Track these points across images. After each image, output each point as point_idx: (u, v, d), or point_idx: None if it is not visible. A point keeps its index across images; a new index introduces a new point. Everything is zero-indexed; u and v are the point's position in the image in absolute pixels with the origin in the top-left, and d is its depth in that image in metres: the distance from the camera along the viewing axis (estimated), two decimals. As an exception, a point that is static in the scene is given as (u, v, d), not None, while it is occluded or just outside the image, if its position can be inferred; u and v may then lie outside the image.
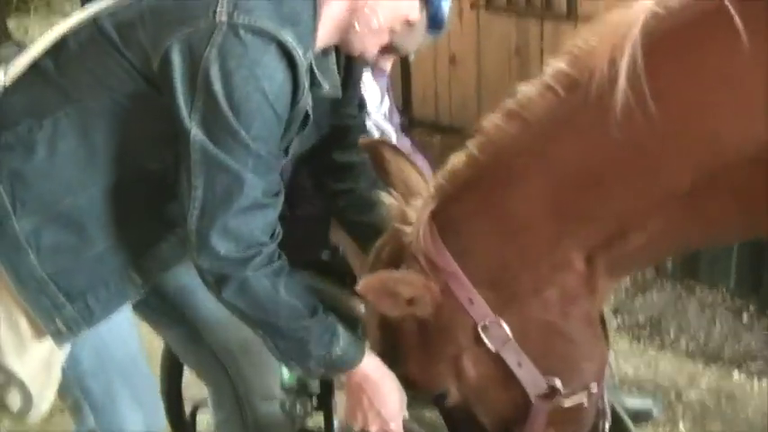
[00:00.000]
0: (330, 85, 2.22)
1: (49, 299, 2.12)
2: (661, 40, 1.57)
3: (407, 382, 1.99)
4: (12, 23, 8.63)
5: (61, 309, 2.13)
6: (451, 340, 1.83)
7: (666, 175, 1.62)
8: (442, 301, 1.78)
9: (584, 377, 1.84)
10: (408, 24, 2.21)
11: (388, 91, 2.89)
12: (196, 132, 2.00)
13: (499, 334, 1.78)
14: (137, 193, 2.17)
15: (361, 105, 2.53)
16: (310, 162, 2.48)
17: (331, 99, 2.29)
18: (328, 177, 2.49)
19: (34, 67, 2.18)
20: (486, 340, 1.78)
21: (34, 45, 2.22)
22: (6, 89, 2.17)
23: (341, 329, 2.11)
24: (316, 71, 2.13)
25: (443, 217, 1.78)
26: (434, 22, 2.58)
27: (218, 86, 1.97)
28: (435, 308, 1.79)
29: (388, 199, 1.94)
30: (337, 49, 2.25)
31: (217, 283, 2.07)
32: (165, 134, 2.07)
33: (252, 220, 2.05)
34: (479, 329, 1.78)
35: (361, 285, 1.77)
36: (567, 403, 1.83)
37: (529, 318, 1.78)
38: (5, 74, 2.19)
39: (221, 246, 2.03)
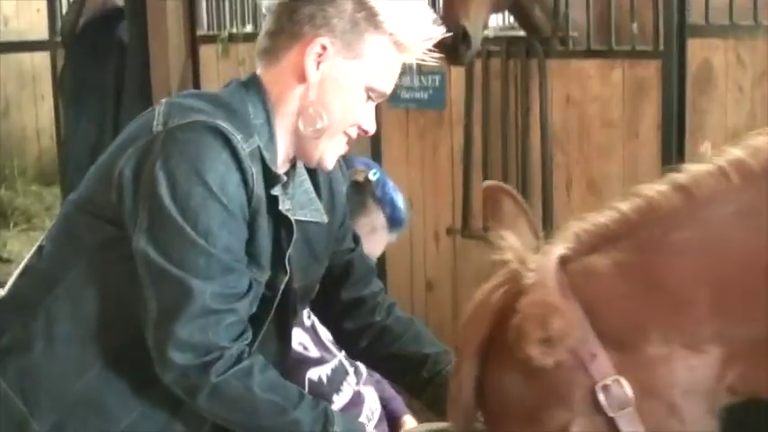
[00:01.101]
0: (309, 209, 2.21)
1: None
2: None
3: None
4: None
5: None
6: (564, 402, 1.65)
7: None
8: (552, 356, 1.62)
9: None
10: (364, 132, 2.19)
11: None
12: (139, 240, 1.98)
13: (619, 395, 1.62)
14: (143, 353, 2.06)
15: (356, 239, 2.47)
16: (322, 310, 2.45)
17: (326, 230, 2.26)
18: (343, 320, 2.43)
19: (22, 273, 2.20)
20: (603, 401, 1.62)
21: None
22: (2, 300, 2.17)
23: (334, 412, 2.04)
24: (279, 184, 2.11)
25: (575, 266, 1.67)
26: (394, 220, 2.58)
27: (162, 189, 1.95)
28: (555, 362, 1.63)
29: (503, 241, 1.78)
30: (314, 173, 2.25)
31: (187, 393, 2.02)
32: None
33: (206, 327, 1.99)
34: (598, 388, 1.62)
35: (531, 303, 1.59)
36: None
37: (651, 389, 1.64)
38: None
39: (178, 357, 1.98)
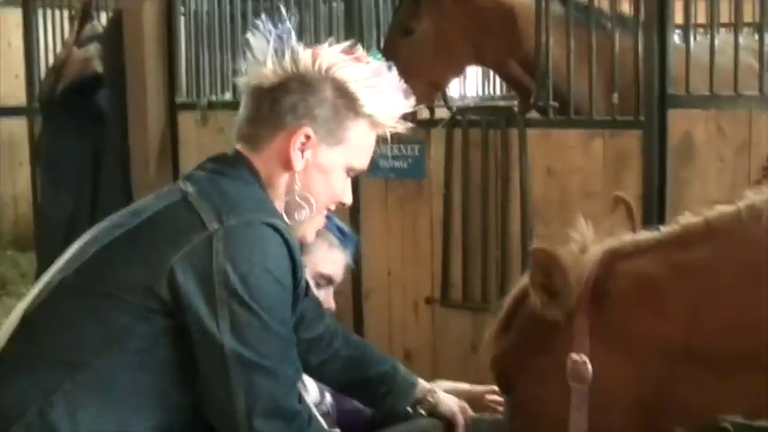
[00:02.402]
0: None
1: None
2: None
3: (496, 362, 2.20)
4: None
5: None
6: (550, 348, 2.04)
7: None
8: (567, 319, 2.00)
9: None
10: (341, 205, 2.35)
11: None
12: (229, 342, 2.06)
13: (581, 372, 1.96)
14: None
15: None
16: None
17: None
18: (308, 357, 2.57)
19: (4, 359, 2.12)
20: (569, 370, 1.98)
21: None
22: None
23: None
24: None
25: (610, 260, 2.01)
26: (344, 237, 2.69)
27: (240, 289, 2.04)
28: (563, 318, 2.01)
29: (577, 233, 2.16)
30: None
31: None
32: (187, 360, 2.09)
33: (288, 397, 2.17)
34: (570, 359, 1.97)
35: (538, 249, 2.02)
36: None
37: (613, 384, 1.95)
38: None
39: (273, 430, 2.12)
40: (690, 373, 1.87)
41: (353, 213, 5.36)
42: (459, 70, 5.31)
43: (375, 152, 2.39)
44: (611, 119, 4.52)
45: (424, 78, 4.79)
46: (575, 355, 1.98)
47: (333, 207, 2.37)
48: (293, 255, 2.15)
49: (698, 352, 1.85)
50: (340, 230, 2.76)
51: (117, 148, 6.65)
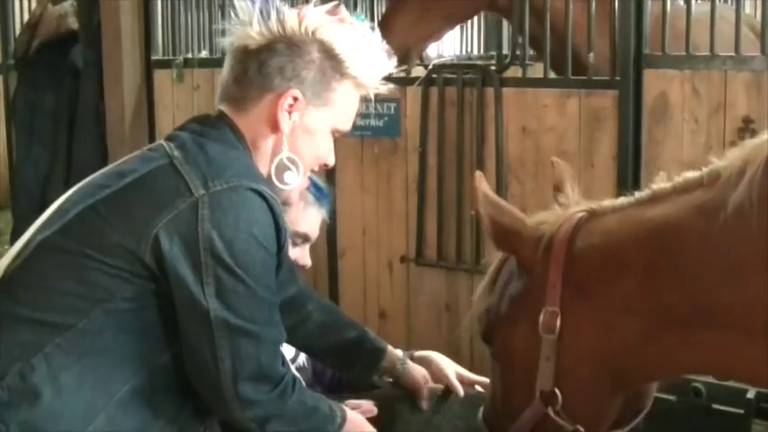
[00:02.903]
0: None
1: None
2: None
3: (482, 316, 2.25)
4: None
5: None
6: (522, 302, 2.12)
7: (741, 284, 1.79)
8: (539, 270, 2.08)
9: (577, 412, 2.07)
10: (325, 166, 2.40)
11: None
12: (215, 308, 2.08)
13: (550, 323, 2.03)
14: (155, 393, 2.17)
15: None
16: None
17: None
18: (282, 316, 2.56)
19: None
20: (540, 321, 2.04)
21: None
22: None
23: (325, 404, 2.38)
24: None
25: (588, 220, 2.09)
26: (319, 194, 2.71)
27: (226, 256, 2.06)
28: (533, 270, 2.09)
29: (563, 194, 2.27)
30: None
31: (260, 423, 2.21)
32: (168, 321, 2.12)
33: (273, 360, 2.21)
34: (542, 311, 2.04)
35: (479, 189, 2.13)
36: (557, 421, 2.08)
37: (581, 335, 2.02)
38: None
39: (258, 394, 2.17)
40: (651, 329, 1.90)
41: (329, 172, 5.36)
42: (440, 34, 5.26)
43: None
44: (587, 78, 4.52)
45: (405, 41, 4.76)
46: (546, 307, 2.03)
47: (316, 168, 2.40)
48: (278, 220, 2.16)
49: (658, 307, 1.88)
50: (316, 186, 2.75)
51: (92, 104, 6.59)
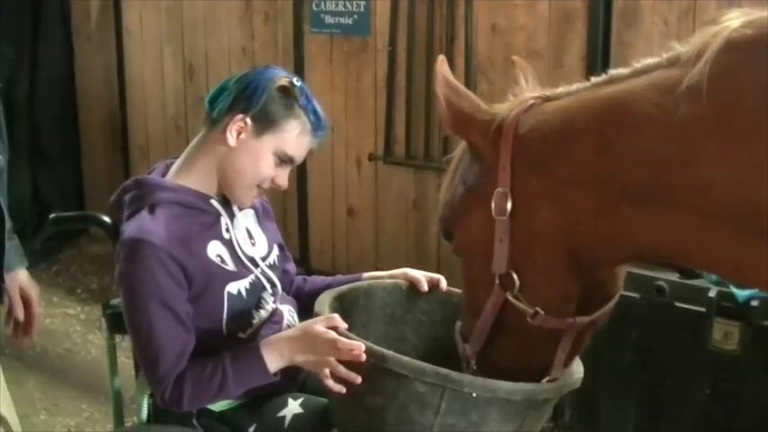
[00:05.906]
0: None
1: None
2: (736, 47, 1.74)
3: (441, 209, 2.24)
4: None
5: None
6: (476, 189, 2.10)
7: (694, 168, 1.76)
8: (489, 154, 2.06)
9: (536, 295, 2.07)
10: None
11: (277, 243, 2.87)
12: None
13: (502, 206, 2.02)
14: None
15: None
16: None
17: None
18: None
19: None
20: (492, 204, 2.03)
21: None
22: None
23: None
24: None
25: (541, 103, 2.05)
26: (318, 125, 2.65)
27: None
28: (484, 154, 2.08)
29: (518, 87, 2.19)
30: None
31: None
32: None
33: None
34: (495, 193, 2.03)
35: (440, 71, 2.10)
36: (516, 305, 2.07)
37: (533, 213, 2.01)
38: None
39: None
40: (603, 203, 1.89)
41: (297, 69, 5.34)
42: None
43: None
44: (558, -22, 4.51)
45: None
46: (498, 189, 2.04)
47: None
48: None
49: (610, 180, 1.86)
50: (315, 114, 2.74)
51: (57, 1, 6.52)
